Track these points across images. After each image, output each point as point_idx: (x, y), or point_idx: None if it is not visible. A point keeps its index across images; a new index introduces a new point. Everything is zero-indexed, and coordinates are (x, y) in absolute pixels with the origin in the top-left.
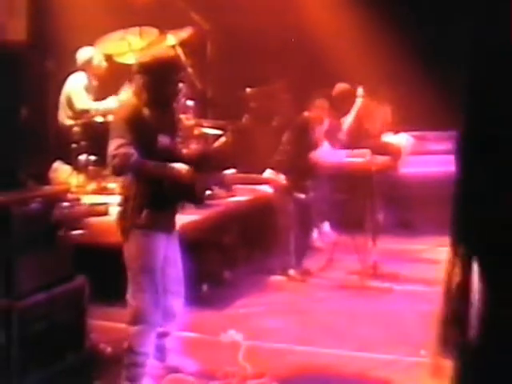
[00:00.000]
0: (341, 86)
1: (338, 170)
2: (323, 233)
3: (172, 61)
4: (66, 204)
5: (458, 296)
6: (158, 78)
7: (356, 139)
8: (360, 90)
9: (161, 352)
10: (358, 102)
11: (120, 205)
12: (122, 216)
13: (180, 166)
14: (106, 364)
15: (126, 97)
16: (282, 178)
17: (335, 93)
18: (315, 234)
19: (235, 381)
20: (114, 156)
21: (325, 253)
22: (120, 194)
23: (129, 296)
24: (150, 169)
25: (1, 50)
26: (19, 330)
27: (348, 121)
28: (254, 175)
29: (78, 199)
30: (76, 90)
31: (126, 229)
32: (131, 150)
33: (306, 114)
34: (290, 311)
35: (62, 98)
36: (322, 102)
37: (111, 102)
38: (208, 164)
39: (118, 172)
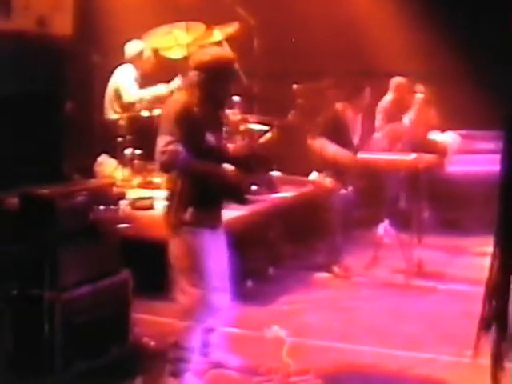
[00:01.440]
0: (398, 80)
1: (387, 166)
2: (386, 229)
3: (231, 62)
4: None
5: (497, 294)
6: (216, 78)
7: (418, 136)
8: (420, 87)
9: (205, 347)
10: (418, 97)
11: (166, 200)
12: (168, 213)
13: (227, 167)
14: (149, 358)
15: (176, 86)
16: (328, 181)
17: (393, 87)
18: (380, 229)
19: (278, 377)
20: (163, 153)
21: (372, 250)
22: (166, 189)
23: (176, 293)
24: (197, 167)
25: (47, 44)
26: (63, 322)
27: (410, 117)
28: (299, 177)
29: (124, 193)
30: (126, 82)
31: (172, 226)
32: (179, 148)
33: (338, 105)
34: (334, 308)
35: (109, 91)
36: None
37: (161, 89)
38: (254, 165)
39: (165, 169)
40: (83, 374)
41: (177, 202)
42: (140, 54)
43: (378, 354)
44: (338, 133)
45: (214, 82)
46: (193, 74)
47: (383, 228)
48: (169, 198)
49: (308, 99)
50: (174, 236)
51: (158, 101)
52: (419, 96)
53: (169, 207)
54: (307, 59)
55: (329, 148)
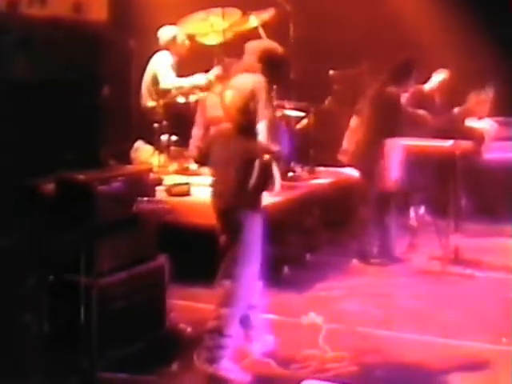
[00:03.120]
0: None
1: (423, 153)
2: (418, 215)
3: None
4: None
5: None
6: (281, 70)
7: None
8: (490, 90)
9: (242, 332)
10: (479, 97)
11: (217, 185)
12: (228, 195)
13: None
14: (185, 344)
15: (214, 76)
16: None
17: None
18: (412, 213)
19: (314, 364)
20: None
21: (408, 237)
22: (214, 174)
23: (225, 278)
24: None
25: (83, 30)
26: (99, 308)
27: (459, 111)
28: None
29: (160, 179)
30: (162, 68)
31: (229, 210)
32: None
33: (392, 88)
34: (371, 295)
35: (147, 77)
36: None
37: (199, 79)
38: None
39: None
40: (119, 360)
41: (237, 186)
42: (174, 39)
43: (415, 341)
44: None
45: (275, 73)
46: (255, 64)
47: (416, 213)
48: (220, 182)
49: (344, 85)
50: (237, 220)
51: (196, 89)
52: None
53: (223, 191)
54: (344, 45)
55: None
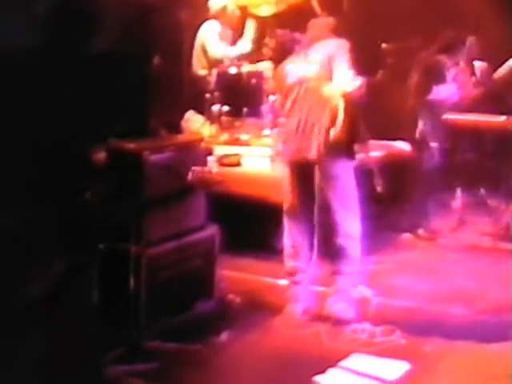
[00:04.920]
0: None
1: (475, 128)
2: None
3: None
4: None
5: None
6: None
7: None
8: None
9: None
10: None
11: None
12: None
13: None
14: (234, 314)
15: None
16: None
17: None
18: (458, 192)
19: (364, 337)
20: None
21: (458, 213)
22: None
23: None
24: None
25: (134, 0)
26: (148, 277)
27: (501, 72)
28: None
29: (211, 149)
30: (210, 37)
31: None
32: None
33: (441, 57)
34: (420, 270)
35: (196, 47)
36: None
37: (244, 46)
38: None
39: None
40: (167, 329)
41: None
42: (224, 8)
43: (464, 317)
44: None
45: None
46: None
47: (466, 190)
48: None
49: (397, 59)
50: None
51: (244, 57)
52: None
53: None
54: (398, 18)
55: None
